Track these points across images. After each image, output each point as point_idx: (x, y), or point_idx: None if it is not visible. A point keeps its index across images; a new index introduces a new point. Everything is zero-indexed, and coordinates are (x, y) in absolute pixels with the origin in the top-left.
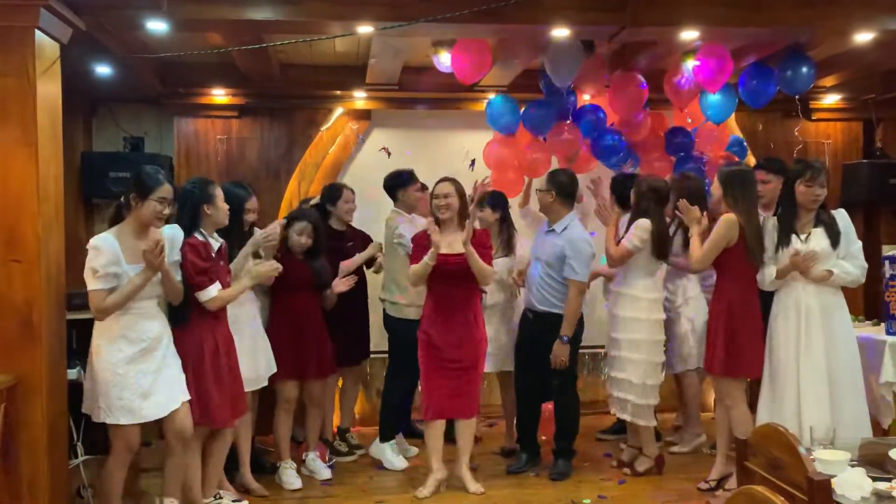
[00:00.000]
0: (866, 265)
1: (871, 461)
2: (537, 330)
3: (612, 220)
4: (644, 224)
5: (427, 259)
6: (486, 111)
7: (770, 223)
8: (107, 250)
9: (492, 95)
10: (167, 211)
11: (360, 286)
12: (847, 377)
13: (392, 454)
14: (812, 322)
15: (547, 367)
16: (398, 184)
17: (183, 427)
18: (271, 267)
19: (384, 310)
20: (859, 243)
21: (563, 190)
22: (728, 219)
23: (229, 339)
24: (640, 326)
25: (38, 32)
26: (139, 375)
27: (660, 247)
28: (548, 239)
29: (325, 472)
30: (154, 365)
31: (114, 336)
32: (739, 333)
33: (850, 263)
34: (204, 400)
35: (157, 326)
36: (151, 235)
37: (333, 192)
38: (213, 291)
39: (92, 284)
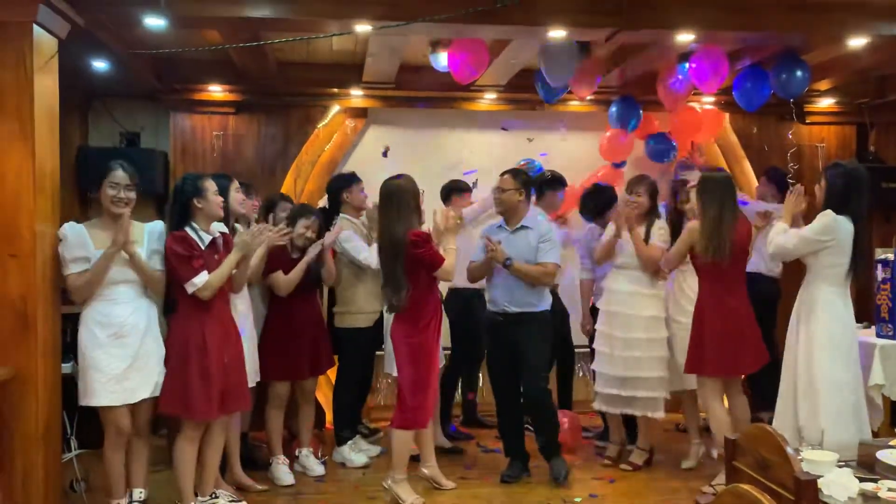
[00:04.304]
0: (787, 246)
1: (861, 462)
2: (514, 332)
3: (635, 222)
4: (664, 223)
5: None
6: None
7: None
8: (71, 235)
9: (489, 94)
10: (122, 195)
11: None
12: (819, 376)
13: (351, 453)
14: (798, 319)
15: (525, 369)
16: (342, 186)
17: (140, 418)
18: (252, 233)
19: (333, 321)
20: (800, 231)
21: (529, 189)
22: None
23: (223, 334)
24: (643, 323)
25: (36, 27)
26: (111, 359)
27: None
28: (517, 237)
29: (317, 469)
30: (128, 351)
31: (88, 321)
32: (705, 332)
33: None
34: (184, 392)
35: (129, 313)
36: (121, 224)
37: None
38: (199, 280)
39: (65, 270)
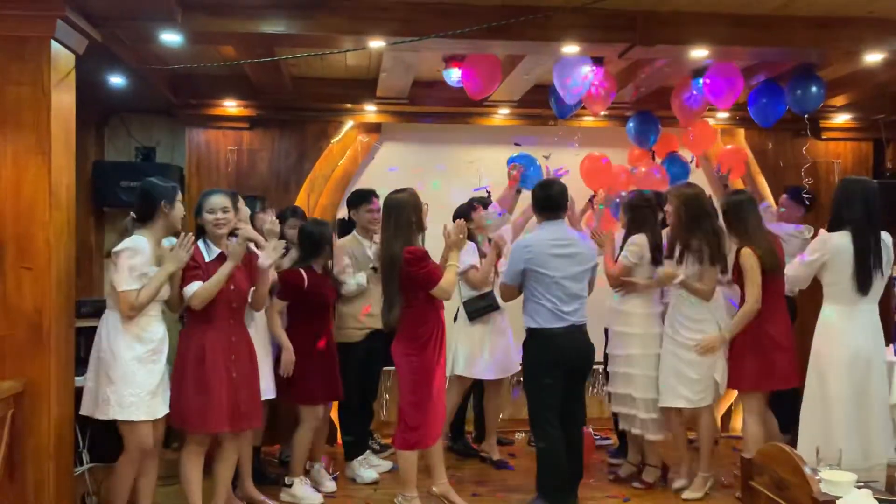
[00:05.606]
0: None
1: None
2: None
3: (609, 239)
4: (640, 240)
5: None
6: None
7: None
8: (144, 251)
9: (502, 110)
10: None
11: None
12: (816, 393)
13: (361, 468)
14: None
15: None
16: (352, 203)
17: (155, 434)
18: (240, 241)
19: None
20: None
21: (536, 203)
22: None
23: (229, 349)
24: (634, 341)
25: (53, 43)
26: (147, 374)
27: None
28: None
29: (328, 485)
30: (159, 366)
31: (129, 335)
32: (739, 345)
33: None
34: (180, 403)
35: (162, 330)
36: (185, 241)
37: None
38: (190, 290)
39: (127, 284)
